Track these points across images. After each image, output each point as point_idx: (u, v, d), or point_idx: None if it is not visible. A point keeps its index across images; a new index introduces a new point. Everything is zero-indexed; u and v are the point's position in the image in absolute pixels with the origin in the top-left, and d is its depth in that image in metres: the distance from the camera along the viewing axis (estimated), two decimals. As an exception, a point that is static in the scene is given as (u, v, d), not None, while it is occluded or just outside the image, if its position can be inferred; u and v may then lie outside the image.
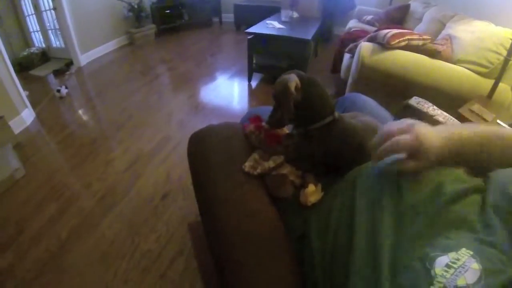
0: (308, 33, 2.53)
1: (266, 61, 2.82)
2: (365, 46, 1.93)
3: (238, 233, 0.68)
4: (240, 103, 2.73)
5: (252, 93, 2.85)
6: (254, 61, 2.81)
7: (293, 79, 0.70)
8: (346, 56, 2.34)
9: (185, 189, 1.73)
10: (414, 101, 1.22)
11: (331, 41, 3.86)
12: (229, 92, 2.91)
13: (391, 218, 0.53)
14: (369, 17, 3.24)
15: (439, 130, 0.57)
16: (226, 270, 0.65)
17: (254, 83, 2.95)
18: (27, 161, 2.28)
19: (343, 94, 2.14)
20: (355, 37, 2.50)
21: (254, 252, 0.65)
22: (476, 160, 0.55)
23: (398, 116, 1.23)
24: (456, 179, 0.54)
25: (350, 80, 2.06)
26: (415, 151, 0.52)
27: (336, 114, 0.76)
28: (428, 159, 0.53)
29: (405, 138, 0.54)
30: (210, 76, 3.29)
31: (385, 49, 1.88)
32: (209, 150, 0.86)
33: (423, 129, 0.55)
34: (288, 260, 0.68)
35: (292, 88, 0.69)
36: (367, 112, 1.02)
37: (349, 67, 2.18)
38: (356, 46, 2.10)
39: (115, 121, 2.59)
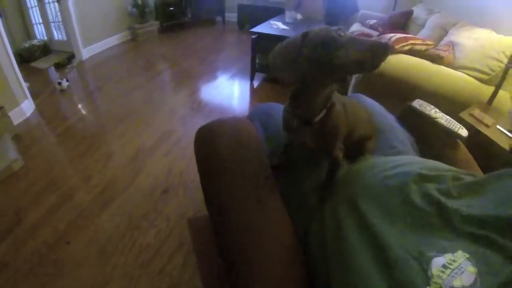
0: None
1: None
2: None
3: (246, 226, 0.67)
4: (242, 102, 2.73)
5: (254, 92, 2.85)
6: (257, 61, 2.80)
7: None
8: None
9: (186, 185, 1.71)
10: (417, 103, 1.21)
11: None
12: (231, 90, 2.90)
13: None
14: (372, 22, 3.24)
15: None
16: (235, 265, 0.63)
17: (256, 83, 2.94)
18: (26, 152, 2.25)
19: (346, 94, 2.14)
20: None
21: (264, 247, 0.64)
22: None
23: (401, 117, 1.22)
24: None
25: (353, 82, 2.05)
26: None
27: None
28: None
29: None
30: (212, 74, 3.28)
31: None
32: (219, 139, 0.84)
33: None
34: (297, 255, 0.67)
35: None
36: (369, 111, 1.03)
37: None
38: None
39: (116, 116, 2.56)
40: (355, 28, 3.14)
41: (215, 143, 0.83)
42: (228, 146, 0.81)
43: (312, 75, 0.59)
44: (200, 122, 2.24)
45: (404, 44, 1.89)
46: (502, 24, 2.11)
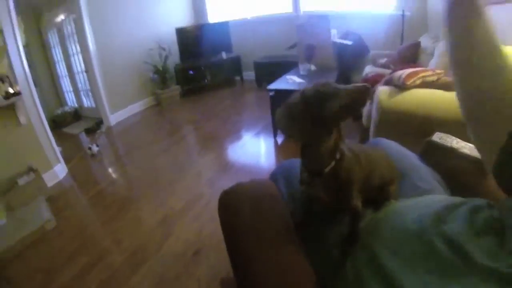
0: None
1: None
2: (382, 90, 2.01)
3: None
4: (268, 160, 2.89)
5: (278, 149, 3.01)
6: None
7: None
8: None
9: (217, 246, 1.80)
10: (437, 137, 1.22)
11: None
12: (256, 149, 3.09)
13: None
14: (383, 60, 3.41)
15: None
16: None
17: (280, 139, 3.11)
18: (59, 214, 2.46)
19: (367, 141, 2.26)
20: (372, 82, 2.56)
21: None
22: None
23: (423, 154, 1.25)
24: None
25: (372, 126, 2.13)
26: None
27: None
28: None
29: None
30: (236, 134, 3.52)
31: (402, 90, 1.95)
32: (239, 208, 0.95)
33: None
34: None
35: None
36: (392, 156, 1.07)
37: (369, 113, 2.25)
38: (373, 92, 2.17)
39: (145, 180, 2.79)
40: (368, 70, 3.29)
41: (236, 209, 0.95)
42: (249, 211, 0.92)
43: (312, 129, 0.68)
44: (227, 183, 2.41)
45: (415, 78, 1.94)
46: (506, 41, 2.17)
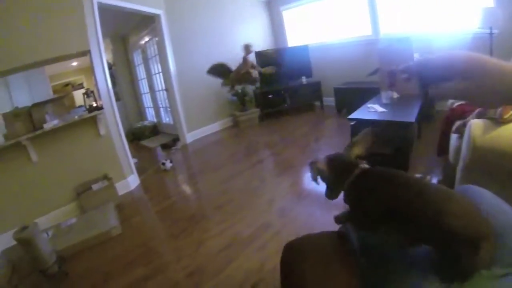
0: (411, 115, 2.64)
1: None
2: (475, 124, 1.86)
3: None
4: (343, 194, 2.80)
5: None
6: None
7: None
8: (454, 136, 2.27)
9: (277, 280, 1.80)
10: None
11: (434, 118, 3.88)
12: None
13: None
14: None
15: None
16: None
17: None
18: (125, 221, 2.80)
19: (452, 182, 2.09)
20: (460, 113, 2.42)
21: None
22: None
23: None
24: None
25: (460, 165, 1.96)
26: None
27: (362, 166, 1.03)
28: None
29: None
30: None
31: (499, 125, 1.78)
32: (304, 269, 0.96)
33: None
34: None
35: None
36: (484, 210, 0.94)
37: (458, 149, 2.09)
38: (464, 125, 2.05)
39: (215, 201, 2.99)
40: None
41: (297, 266, 0.97)
42: (311, 271, 0.93)
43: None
44: (300, 215, 2.50)
45: (512, 111, 1.77)
46: None
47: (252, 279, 1.89)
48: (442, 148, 2.63)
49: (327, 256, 0.98)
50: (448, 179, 2.45)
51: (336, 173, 1.04)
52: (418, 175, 2.61)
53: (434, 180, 2.59)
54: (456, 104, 2.75)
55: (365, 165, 1.04)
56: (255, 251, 2.13)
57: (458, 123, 2.21)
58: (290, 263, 1.02)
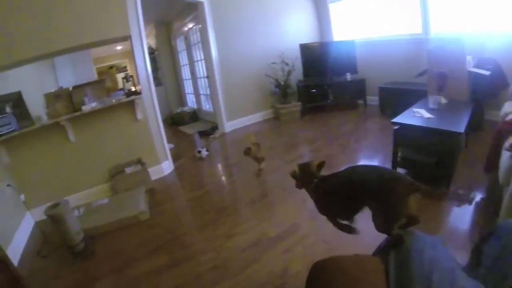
0: (460, 124, 2.42)
1: (412, 155, 2.76)
2: None
3: None
4: None
5: None
6: (399, 154, 2.79)
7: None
8: (506, 154, 2.02)
9: (299, 287, 1.73)
10: None
11: (483, 128, 3.56)
12: None
13: None
14: None
15: None
16: None
17: None
18: (155, 207, 2.85)
19: (497, 204, 1.91)
20: None
21: None
22: None
23: None
24: None
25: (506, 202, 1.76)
26: None
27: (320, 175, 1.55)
28: None
29: None
30: (352, 164, 3.34)
31: None
32: (330, 285, 0.91)
33: None
34: None
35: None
36: None
37: (510, 170, 1.88)
38: None
39: (247, 195, 2.96)
40: (508, 108, 2.74)
41: None
42: None
43: None
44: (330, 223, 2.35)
45: None
46: None
47: (274, 282, 1.82)
48: (491, 164, 2.40)
49: (355, 280, 0.92)
50: (493, 199, 2.24)
51: (303, 179, 1.58)
52: (461, 191, 2.42)
53: (478, 198, 2.38)
54: (511, 116, 2.50)
55: (323, 174, 1.55)
56: (281, 254, 2.07)
57: None
58: (317, 285, 0.97)
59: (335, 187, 1.45)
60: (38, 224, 2.74)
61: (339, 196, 1.43)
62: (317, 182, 1.50)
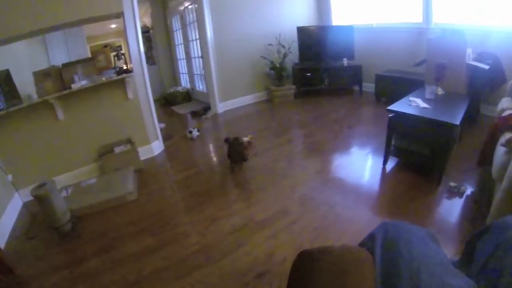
0: (456, 116, 2.43)
1: (405, 144, 2.79)
2: None
3: None
4: (371, 188, 2.68)
5: (385, 177, 2.78)
6: (392, 143, 2.80)
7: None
8: (501, 149, 2.02)
9: (284, 275, 1.75)
10: None
11: (478, 122, 3.61)
12: (360, 172, 2.92)
13: None
14: None
15: None
16: None
17: (389, 167, 2.90)
18: (143, 188, 2.86)
19: (489, 198, 1.94)
20: (510, 122, 2.21)
21: None
22: None
23: None
24: None
25: (504, 185, 1.75)
26: None
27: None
28: None
29: None
30: (344, 151, 3.44)
31: None
32: (316, 276, 0.90)
33: None
34: None
35: None
36: None
37: (504, 166, 1.88)
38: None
39: (236, 178, 2.98)
40: (505, 104, 2.75)
41: (310, 279, 0.90)
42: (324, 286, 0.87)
43: None
44: (320, 207, 2.41)
45: None
46: None
47: (258, 269, 1.84)
48: (484, 158, 2.41)
49: (343, 280, 0.90)
50: (485, 193, 2.28)
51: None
52: (452, 183, 2.42)
53: (468, 191, 2.40)
54: (508, 112, 2.48)
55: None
56: (267, 239, 2.08)
57: (508, 136, 2.00)
58: (302, 275, 0.95)
59: None
60: (26, 205, 2.74)
61: None
62: None
